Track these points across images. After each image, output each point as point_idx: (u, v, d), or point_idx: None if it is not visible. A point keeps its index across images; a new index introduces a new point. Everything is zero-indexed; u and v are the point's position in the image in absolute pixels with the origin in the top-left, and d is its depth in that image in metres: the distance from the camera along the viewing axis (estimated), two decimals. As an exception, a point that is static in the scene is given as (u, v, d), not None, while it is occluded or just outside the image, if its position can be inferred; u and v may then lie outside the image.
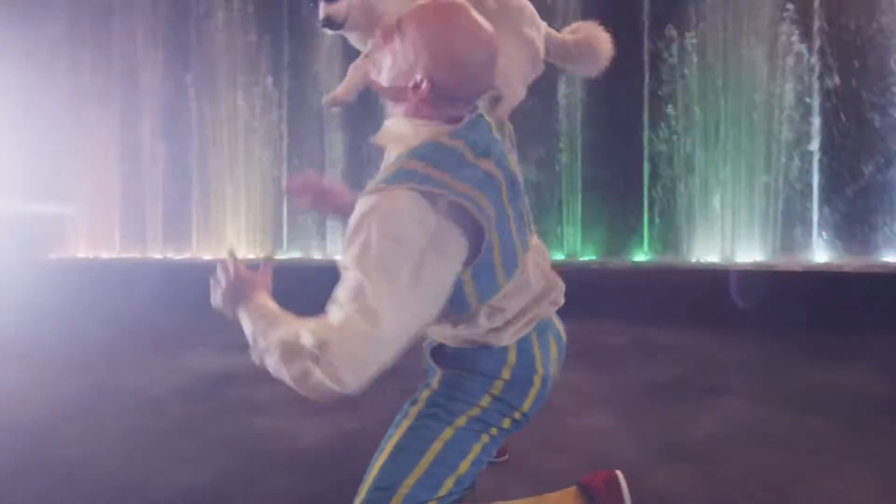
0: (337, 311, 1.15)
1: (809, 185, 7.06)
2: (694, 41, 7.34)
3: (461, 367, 1.36)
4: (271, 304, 1.32)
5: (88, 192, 11.37)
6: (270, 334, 1.19)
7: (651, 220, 7.60)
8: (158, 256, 11.05)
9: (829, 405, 3.21)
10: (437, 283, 1.18)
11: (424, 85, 1.20)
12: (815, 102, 7.04)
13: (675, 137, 7.41)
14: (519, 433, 1.48)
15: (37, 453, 2.73)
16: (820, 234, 6.96)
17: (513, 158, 1.38)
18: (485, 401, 1.33)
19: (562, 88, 7.91)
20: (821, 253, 6.89)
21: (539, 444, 2.67)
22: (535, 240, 1.47)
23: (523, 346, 1.37)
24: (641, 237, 7.62)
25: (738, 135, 7.16)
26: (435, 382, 1.39)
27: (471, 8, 1.25)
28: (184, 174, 10.47)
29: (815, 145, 7.06)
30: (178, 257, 10.72)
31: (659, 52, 7.47)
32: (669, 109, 7.44)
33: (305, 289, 6.07)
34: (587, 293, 3.42)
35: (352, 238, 1.18)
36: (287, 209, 9.43)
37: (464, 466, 1.31)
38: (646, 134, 7.53)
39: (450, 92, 1.24)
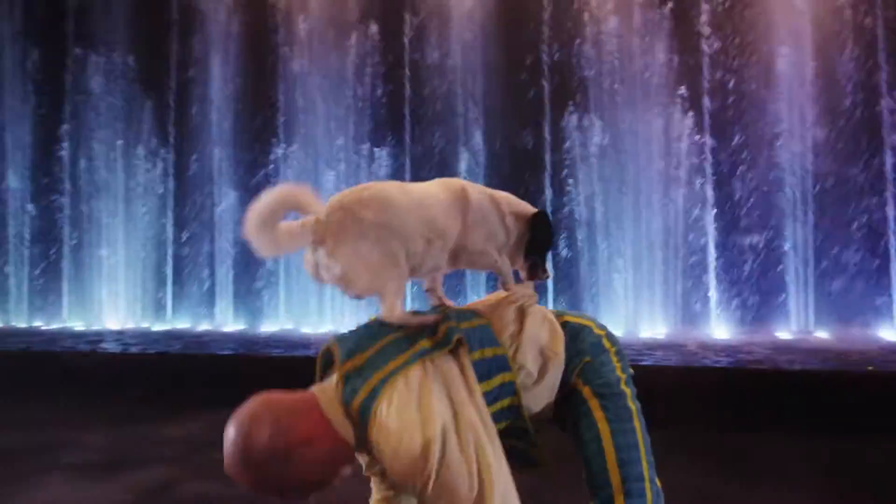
0: None
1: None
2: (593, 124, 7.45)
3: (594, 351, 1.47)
4: None
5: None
6: None
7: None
8: (24, 325, 9.91)
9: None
10: None
11: None
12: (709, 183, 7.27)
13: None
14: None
15: None
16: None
17: None
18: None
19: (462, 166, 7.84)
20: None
21: None
22: None
23: None
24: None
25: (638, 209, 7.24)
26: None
27: None
28: (55, 238, 9.54)
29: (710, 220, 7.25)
30: (47, 327, 9.67)
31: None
32: (570, 186, 7.47)
33: (196, 360, 5.55)
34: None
35: None
36: (172, 275, 8.72)
37: None
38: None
39: None
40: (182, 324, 8.46)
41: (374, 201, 1.36)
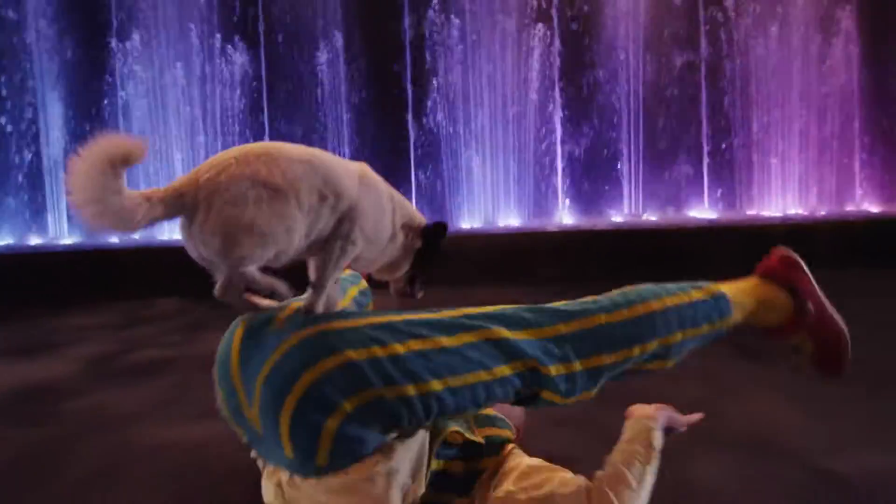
0: None
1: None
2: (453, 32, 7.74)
3: None
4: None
5: None
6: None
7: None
8: None
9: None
10: None
11: None
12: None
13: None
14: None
15: None
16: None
17: None
18: None
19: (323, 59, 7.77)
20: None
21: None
22: None
23: None
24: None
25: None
26: None
27: None
28: None
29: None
30: None
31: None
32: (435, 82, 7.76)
33: (27, 279, 5.09)
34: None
35: None
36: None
37: None
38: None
39: None
40: (5, 240, 7.63)
41: (255, 155, 1.17)
